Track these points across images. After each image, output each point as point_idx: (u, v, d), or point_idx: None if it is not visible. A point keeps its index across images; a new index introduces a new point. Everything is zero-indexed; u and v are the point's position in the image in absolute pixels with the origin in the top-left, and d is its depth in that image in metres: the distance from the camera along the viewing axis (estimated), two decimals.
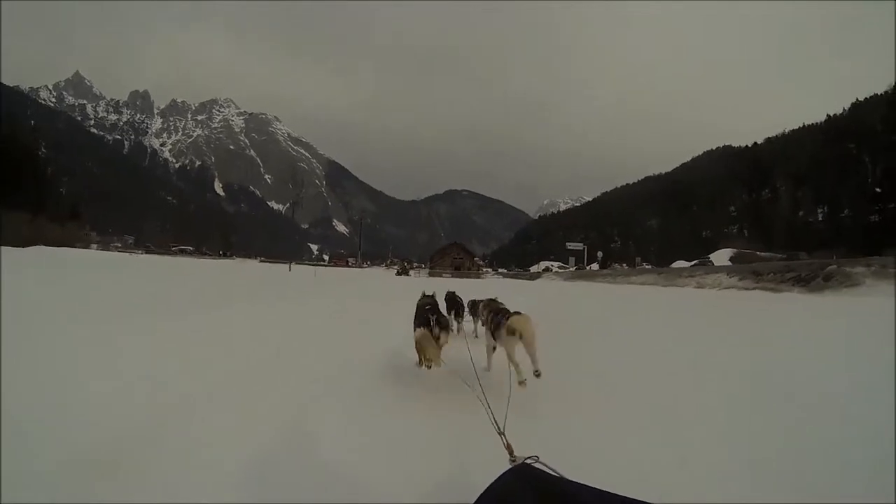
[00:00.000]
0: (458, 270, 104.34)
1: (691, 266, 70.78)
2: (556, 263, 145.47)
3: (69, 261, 33.60)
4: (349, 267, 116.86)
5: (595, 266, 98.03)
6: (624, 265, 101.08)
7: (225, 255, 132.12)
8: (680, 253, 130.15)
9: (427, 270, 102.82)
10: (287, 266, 64.59)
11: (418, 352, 5.58)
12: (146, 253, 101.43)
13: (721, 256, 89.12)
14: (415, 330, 5.65)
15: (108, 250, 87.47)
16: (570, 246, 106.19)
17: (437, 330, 5.64)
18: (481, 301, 9.02)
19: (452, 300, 10.88)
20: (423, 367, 5.69)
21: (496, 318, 6.19)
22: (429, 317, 5.79)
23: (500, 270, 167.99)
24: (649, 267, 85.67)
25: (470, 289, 15.32)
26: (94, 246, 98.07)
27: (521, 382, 5.17)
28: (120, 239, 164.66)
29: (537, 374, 5.27)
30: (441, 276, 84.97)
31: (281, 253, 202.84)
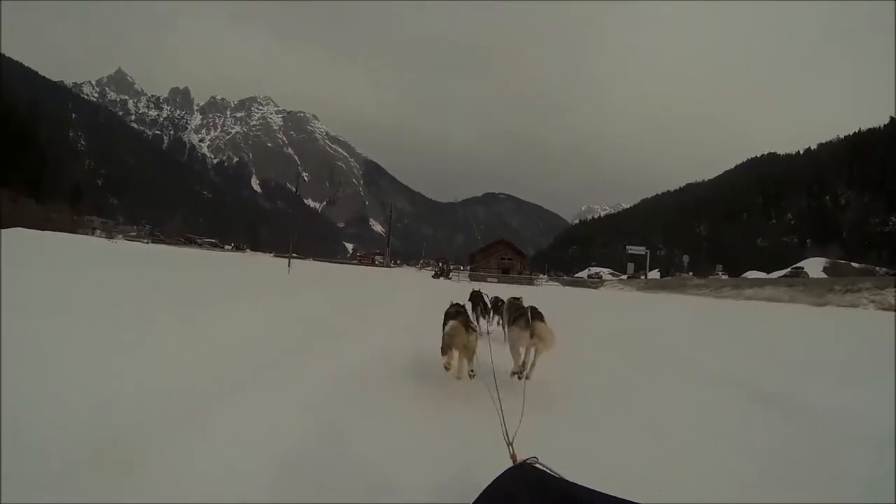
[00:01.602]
0: (506, 273, 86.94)
1: (781, 276, 61.06)
2: (606, 270, 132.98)
3: (33, 244, 26.66)
4: (376, 266, 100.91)
5: (656, 273, 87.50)
6: (690, 273, 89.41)
7: (238, 249, 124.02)
8: (735, 261, 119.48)
9: (468, 272, 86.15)
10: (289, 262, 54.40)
11: (447, 348, 5.52)
12: (152, 242, 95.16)
13: (814, 266, 78.23)
14: (444, 325, 5.83)
15: (111, 238, 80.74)
16: (632, 249, 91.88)
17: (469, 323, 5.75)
18: (504, 301, 8.85)
19: (478, 300, 11.02)
20: (451, 372, 5.67)
21: (520, 317, 6.07)
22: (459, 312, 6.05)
23: (563, 276, 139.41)
24: (726, 276, 74.37)
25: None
26: (98, 232, 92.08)
27: (515, 374, 5.70)
28: (141, 229, 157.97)
29: (527, 376, 5.64)
30: (486, 280, 69.51)
31: (313, 251, 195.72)
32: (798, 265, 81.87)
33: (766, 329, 15.08)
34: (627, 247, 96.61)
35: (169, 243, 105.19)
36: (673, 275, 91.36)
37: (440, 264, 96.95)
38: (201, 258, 40.53)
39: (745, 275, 78.00)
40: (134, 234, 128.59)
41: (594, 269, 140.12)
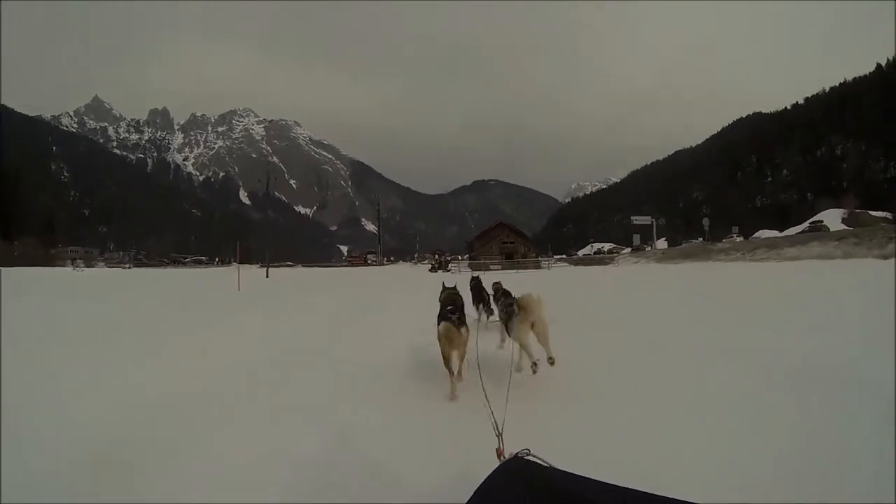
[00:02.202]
0: (510, 259, 78.93)
1: (800, 233, 57.81)
2: (608, 244, 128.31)
3: None
4: (369, 265, 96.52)
5: (663, 243, 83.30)
6: (700, 239, 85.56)
7: (224, 263, 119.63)
8: (741, 222, 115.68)
9: (468, 262, 78.26)
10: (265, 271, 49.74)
11: (443, 346, 5.23)
12: (134, 266, 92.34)
13: (832, 218, 74.88)
14: (438, 325, 5.51)
15: (85, 266, 78.07)
16: (637, 220, 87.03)
17: (459, 322, 5.39)
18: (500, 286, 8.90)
19: (477, 290, 10.25)
20: (452, 380, 5.17)
21: (505, 301, 6.35)
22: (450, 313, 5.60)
23: (573, 255, 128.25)
24: (740, 239, 70.90)
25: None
26: (79, 262, 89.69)
27: (534, 365, 5.16)
28: (126, 254, 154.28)
29: (551, 360, 5.21)
30: (488, 268, 62.97)
31: (305, 257, 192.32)
32: (816, 219, 78.23)
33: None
34: (632, 217, 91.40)
35: (152, 265, 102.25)
36: (679, 243, 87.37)
37: (436, 256, 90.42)
38: (163, 279, 37.28)
39: (756, 235, 74.80)
40: (117, 259, 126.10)
41: (597, 245, 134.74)
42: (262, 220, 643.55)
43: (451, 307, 5.88)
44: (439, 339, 5.23)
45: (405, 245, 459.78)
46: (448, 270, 63.17)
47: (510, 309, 5.85)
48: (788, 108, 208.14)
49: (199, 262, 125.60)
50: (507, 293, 7.52)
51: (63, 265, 72.48)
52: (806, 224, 76.29)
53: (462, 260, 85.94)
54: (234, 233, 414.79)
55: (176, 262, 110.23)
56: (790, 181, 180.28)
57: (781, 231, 76.31)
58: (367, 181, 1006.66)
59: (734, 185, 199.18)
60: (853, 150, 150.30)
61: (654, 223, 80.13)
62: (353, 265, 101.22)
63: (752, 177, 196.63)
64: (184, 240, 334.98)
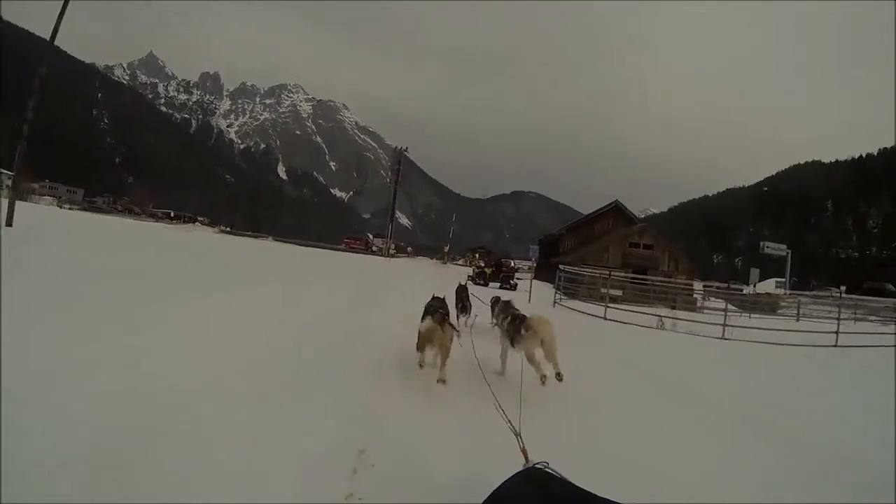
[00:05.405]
0: (642, 274, 36.68)
1: None
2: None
3: None
4: (372, 253, 72.72)
5: (771, 284, 61.85)
6: (842, 288, 64.95)
7: (185, 221, 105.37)
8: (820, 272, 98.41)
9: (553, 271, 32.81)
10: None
11: (421, 344, 5.47)
12: (83, 210, 79.06)
13: None
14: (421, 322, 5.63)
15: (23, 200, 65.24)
16: (770, 247, 61.33)
17: (442, 321, 5.52)
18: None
19: (461, 295, 10.49)
20: (420, 365, 5.65)
21: (514, 322, 6.35)
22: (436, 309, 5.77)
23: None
24: None
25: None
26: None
27: (543, 378, 5.47)
28: (75, 197, 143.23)
29: (559, 376, 5.48)
30: (605, 296, 22.83)
31: (330, 238, 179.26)
32: None
33: None
34: (764, 244, 65.74)
35: (105, 211, 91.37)
36: (813, 287, 65.62)
37: (477, 256, 56.74)
38: None
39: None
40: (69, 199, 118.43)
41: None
42: (298, 197, 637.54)
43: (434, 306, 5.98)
44: (419, 334, 5.39)
45: (437, 243, 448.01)
46: (510, 286, 34.20)
47: (515, 324, 6.03)
48: (864, 156, 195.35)
49: (159, 218, 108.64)
50: (515, 314, 6.78)
51: None
52: None
53: (518, 266, 54.15)
54: (262, 205, 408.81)
55: (128, 212, 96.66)
56: (878, 234, 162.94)
57: None
58: (407, 175, 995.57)
59: (808, 231, 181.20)
60: None
61: (789, 255, 59.50)
62: (351, 249, 78.75)
63: (830, 224, 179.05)
64: (210, 202, 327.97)
